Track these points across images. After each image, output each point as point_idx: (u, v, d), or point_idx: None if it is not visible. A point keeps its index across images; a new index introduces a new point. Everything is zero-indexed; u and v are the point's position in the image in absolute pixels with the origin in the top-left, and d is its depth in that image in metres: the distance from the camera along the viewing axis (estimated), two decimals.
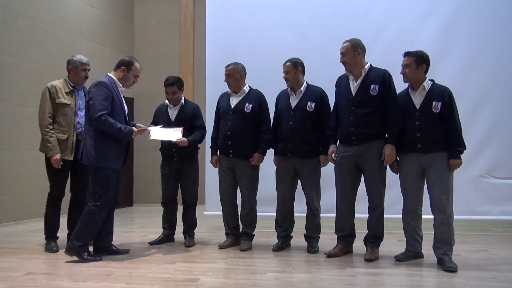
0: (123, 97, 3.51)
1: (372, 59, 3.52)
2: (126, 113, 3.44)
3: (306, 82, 3.70)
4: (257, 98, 3.76)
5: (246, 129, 3.67)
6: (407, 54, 3.25)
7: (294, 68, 3.63)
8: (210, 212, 4.86)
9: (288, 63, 3.65)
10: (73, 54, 3.87)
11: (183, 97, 4.00)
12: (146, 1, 7.79)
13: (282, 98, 3.76)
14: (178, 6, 7.39)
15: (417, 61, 3.20)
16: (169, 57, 7.48)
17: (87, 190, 3.87)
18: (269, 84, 4.16)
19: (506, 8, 4.56)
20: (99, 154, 3.25)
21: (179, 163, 3.88)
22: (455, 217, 4.24)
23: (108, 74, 3.43)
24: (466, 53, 4.59)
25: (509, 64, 4.55)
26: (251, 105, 3.71)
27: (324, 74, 4.00)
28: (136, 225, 5.29)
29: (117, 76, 3.43)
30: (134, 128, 3.36)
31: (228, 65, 3.82)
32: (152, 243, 3.93)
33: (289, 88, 3.71)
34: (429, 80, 3.26)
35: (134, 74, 3.46)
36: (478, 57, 4.57)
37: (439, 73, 3.90)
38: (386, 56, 4.21)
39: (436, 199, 3.14)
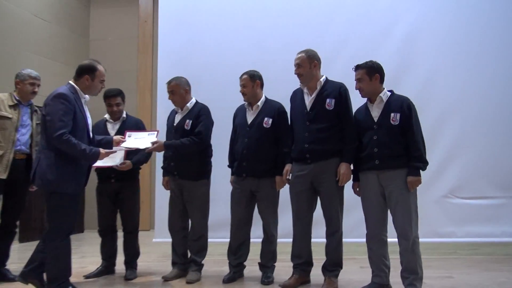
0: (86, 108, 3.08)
1: (333, 73, 3.32)
2: (90, 128, 3.01)
3: (265, 97, 3.44)
4: (197, 111, 3.44)
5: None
6: (357, 68, 3.04)
7: (251, 81, 3.36)
8: (160, 239, 4.44)
9: (245, 76, 3.38)
10: (17, 67, 3.54)
11: (124, 112, 3.65)
12: (103, 14, 7.44)
13: (239, 114, 3.48)
14: (137, 21, 7.13)
15: (369, 73, 2.98)
16: (127, 72, 7.12)
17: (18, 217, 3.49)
18: (227, 100, 3.88)
19: (467, 21, 4.51)
20: (57, 176, 2.76)
21: (117, 185, 3.48)
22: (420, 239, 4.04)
23: (69, 82, 2.95)
24: (429, 67, 4.49)
25: (473, 78, 4.47)
26: (190, 121, 3.40)
27: (286, 89, 3.68)
28: (78, 254, 4.78)
29: (81, 85, 2.94)
30: (101, 149, 2.91)
31: (170, 81, 3.50)
32: (88, 276, 3.49)
33: (246, 103, 3.43)
34: (388, 91, 3.04)
35: (100, 80, 2.99)
36: (441, 71, 4.48)
37: (401, 88, 3.68)
38: (347, 70, 4.03)
39: (398, 223, 2.87)
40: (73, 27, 6.99)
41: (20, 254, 4.93)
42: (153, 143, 3.26)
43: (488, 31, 4.50)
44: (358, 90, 3.04)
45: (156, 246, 4.49)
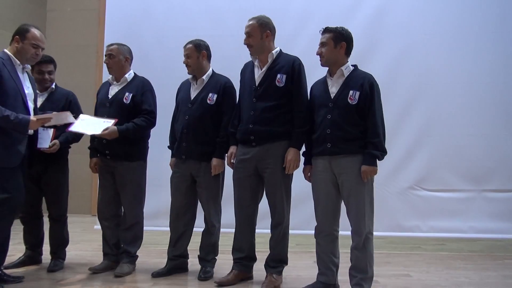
0: (31, 79, 2.78)
1: (295, 50, 2.96)
2: (29, 99, 2.69)
3: (212, 70, 3.06)
4: (140, 85, 3.07)
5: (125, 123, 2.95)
6: (325, 31, 2.65)
7: (197, 51, 2.97)
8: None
9: (189, 45, 2.99)
10: None
11: (54, 83, 3.22)
12: None
13: (183, 88, 3.10)
14: None
15: (335, 38, 2.60)
16: (87, 47, 6.65)
17: None
18: (177, 74, 3.49)
19: None
20: None
21: (40, 166, 3.05)
22: (381, 233, 3.76)
23: (4, 50, 2.69)
24: (396, 49, 4.18)
25: (442, 62, 4.17)
26: (131, 94, 3.02)
27: (241, 65, 3.40)
28: (17, 240, 4.37)
29: (12, 50, 2.68)
30: (31, 117, 2.58)
31: (111, 45, 3.12)
32: (6, 267, 3.08)
33: (190, 77, 3.04)
34: (352, 65, 2.67)
35: (32, 43, 2.67)
36: (408, 53, 4.16)
37: (366, 68, 3.39)
38: (309, 48, 3.68)
39: (351, 217, 2.55)
40: None
41: None
42: (104, 130, 2.82)
43: (464, 7, 4.19)
44: (318, 56, 2.65)
45: (98, 234, 4.10)
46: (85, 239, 4.20)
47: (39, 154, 2.95)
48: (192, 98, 2.97)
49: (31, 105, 2.70)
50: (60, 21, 6.82)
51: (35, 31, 2.72)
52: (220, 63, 3.30)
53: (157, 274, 2.96)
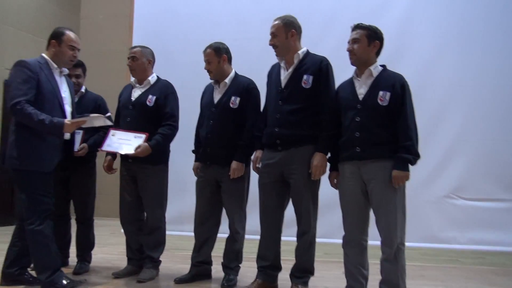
0: (68, 83, 2.77)
1: (322, 51, 2.78)
2: (66, 102, 2.68)
3: (235, 72, 2.98)
4: (164, 89, 3.04)
5: (148, 126, 2.91)
6: (357, 27, 2.51)
7: (217, 56, 2.90)
8: None
9: (209, 50, 2.92)
10: None
11: (84, 86, 3.25)
12: None
13: (207, 92, 3.04)
14: None
15: (369, 36, 2.46)
16: (118, 53, 6.74)
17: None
18: (203, 78, 3.45)
19: None
20: (19, 152, 2.49)
21: (68, 169, 3.06)
22: (414, 244, 3.56)
23: (42, 54, 2.69)
24: (429, 49, 3.97)
25: (478, 62, 3.91)
26: (154, 97, 2.98)
27: (269, 67, 3.32)
28: None
29: (50, 54, 2.67)
30: (66, 120, 2.56)
31: (134, 47, 3.13)
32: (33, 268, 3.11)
33: (213, 81, 2.98)
34: (380, 65, 2.53)
35: (68, 45, 2.67)
36: (442, 54, 3.94)
37: (397, 71, 3.26)
38: (337, 49, 3.56)
39: (380, 226, 2.39)
40: (62, 4, 6.66)
41: None
42: (136, 148, 2.80)
43: (502, 6, 3.94)
44: (349, 53, 2.52)
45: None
46: (112, 243, 4.22)
47: (67, 157, 2.97)
48: (215, 102, 2.91)
49: (68, 109, 2.69)
50: (93, 27, 7.00)
51: (70, 33, 2.72)
52: (247, 66, 3.23)
53: (180, 281, 2.89)
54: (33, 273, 2.77)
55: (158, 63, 4.27)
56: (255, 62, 3.15)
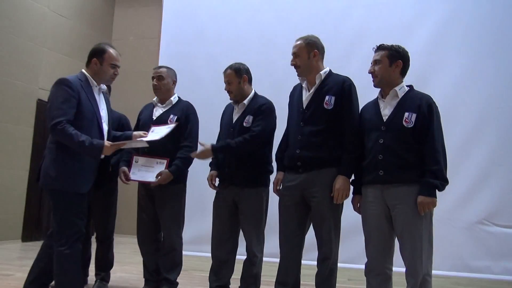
0: (106, 100, 2.75)
1: (348, 71, 2.76)
2: (104, 120, 2.66)
3: (254, 93, 2.97)
4: (185, 109, 3.07)
5: (168, 145, 2.91)
6: (379, 48, 2.46)
7: (238, 77, 2.90)
8: None
9: (229, 71, 2.92)
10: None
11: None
12: (127, 14, 7.34)
13: (227, 112, 3.04)
14: (159, 21, 6.93)
15: (391, 56, 2.40)
16: (146, 73, 6.89)
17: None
18: (228, 98, 3.46)
19: (508, 12, 3.80)
20: (57, 173, 2.46)
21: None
22: (445, 273, 3.39)
23: (82, 70, 2.67)
24: (461, 69, 3.85)
25: None
26: (176, 117, 3.01)
27: (293, 84, 3.29)
28: None
29: (91, 72, 2.64)
30: (105, 142, 2.53)
31: (159, 67, 3.18)
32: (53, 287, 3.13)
33: (233, 101, 2.98)
34: (407, 86, 2.45)
35: (110, 63, 2.64)
36: (475, 73, 3.80)
37: (427, 92, 3.16)
38: (363, 69, 3.50)
39: (405, 255, 2.28)
40: (95, 25, 6.91)
41: (22, 254, 4.74)
42: (157, 175, 2.86)
43: None
44: (371, 75, 2.47)
45: None
46: (133, 261, 4.21)
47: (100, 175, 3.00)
48: (233, 122, 2.89)
49: (105, 127, 2.66)
50: (124, 49, 7.14)
51: (112, 51, 2.68)
52: (272, 86, 3.23)
53: None
54: None
55: (184, 84, 4.35)
56: (280, 82, 3.13)
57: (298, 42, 2.68)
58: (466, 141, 3.71)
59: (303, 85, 2.71)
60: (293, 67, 2.70)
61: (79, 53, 6.58)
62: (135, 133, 2.89)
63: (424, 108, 2.32)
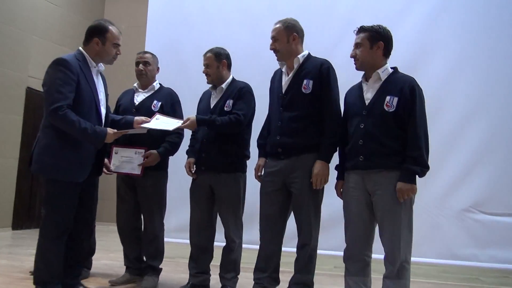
0: (103, 81, 2.59)
1: (339, 57, 2.83)
2: (102, 103, 2.51)
3: (232, 78, 2.92)
4: (169, 97, 3.04)
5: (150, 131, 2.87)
6: (359, 31, 2.38)
7: (217, 61, 2.85)
8: None
9: (209, 54, 2.87)
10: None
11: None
12: (119, 2, 7.25)
13: (204, 98, 2.99)
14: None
15: (371, 38, 2.32)
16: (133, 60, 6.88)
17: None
18: None
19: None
20: (54, 160, 2.34)
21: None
22: (432, 261, 3.37)
23: (79, 48, 2.51)
24: (453, 55, 3.75)
25: (505, 71, 3.68)
26: (160, 103, 2.97)
27: None
28: None
29: (90, 52, 2.48)
30: (109, 129, 2.42)
31: (145, 52, 3.14)
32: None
33: (210, 86, 2.93)
34: (391, 68, 2.38)
35: (113, 43, 2.49)
36: (467, 60, 3.72)
37: (418, 80, 3.11)
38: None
39: (384, 241, 2.24)
40: (86, 13, 6.83)
41: (11, 241, 4.74)
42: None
43: None
44: (353, 59, 2.40)
45: None
46: (119, 249, 4.19)
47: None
48: (211, 107, 2.85)
49: (103, 111, 2.52)
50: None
51: (114, 29, 2.52)
52: (260, 74, 3.18)
53: None
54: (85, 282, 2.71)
55: (171, 71, 4.30)
56: (269, 69, 3.07)
57: (277, 26, 2.62)
58: (455, 129, 3.65)
59: (283, 70, 2.67)
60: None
61: (70, 41, 6.52)
62: (137, 118, 2.76)
63: (406, 91, 2.25)
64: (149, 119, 2.77)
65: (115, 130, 2.47)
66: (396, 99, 2.25)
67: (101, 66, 2.56)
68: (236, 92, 2.79)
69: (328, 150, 2.44)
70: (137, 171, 2.84)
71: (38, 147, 2.40)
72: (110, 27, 2.51)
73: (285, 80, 2.61)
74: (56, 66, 2.35)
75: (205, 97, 2.97)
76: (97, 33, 2.48)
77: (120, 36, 2.56)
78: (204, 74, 2.91)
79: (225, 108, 2.77)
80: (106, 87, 2.66)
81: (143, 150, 2.86)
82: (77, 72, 2.36)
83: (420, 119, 2.24)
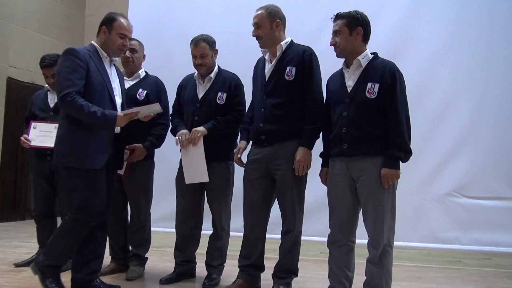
0: (119, 73, 2.59)
1: (322, 44, 2.71)
2: (116, 93, 2.49)
3: (218, 66, 2.89)
4: (154, 85, 2.99)
5: (136, 121, 2.81)
6: (337, 18, 2.37)
7: (211, 50, 2.79)
8: None
9: (204, 44, 2.77)
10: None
11: None
12: None
13: (188, 86, 2.92)
14: None
15: (350, 24, 2.31)
16: None
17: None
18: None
19: None
20: (69, 148, 2.33)
21: (52, 163, 3.02)
22: (416, 244, 3.43)
23: (92, 42, 2.53)
24: (435, 43, 3.79)
25: (486, 57, 3.72)
26: (145, 92, 2.94)
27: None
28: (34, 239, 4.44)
29: (100, 42, 2.48)
30: (119, 112, 2.38)
31: (132, 39, 2.98)
32: (19, 265, 3.11)
33: (195, 74, 2.88)
34: (371, 53, 2.37)
35: (119, 33, 2.47)
36: (448, 47, 3.76)
37: (400, 66, 3.10)
38: None
39: (368, 226, 2.27)
40: (67, 2, 6.67)
41: None
42: (129, 154, 2.78)
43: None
44: (333, 47, 2.38)
45: None
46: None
47: (51, 152, 2.89)
48: (200, 97, 2.81)
49: (118, 101, 2.50)
50: (98, 24, 6.99)
51: (122, 20, 2.51)
52: (243, 58, 3.15)
53: (166, 281, 2.82)
54: (104, 279, 2.65)
55: (154, 58, 4.23)
56: (252, 55, 3.04)
57: (260, 12, 2.59)
58: (438, 115, 3.71)
59: (266, 57, 2.65)
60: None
61: (51, 30, 6.38)
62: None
63: (387, 77, 2.24)
64: (136, 109, 2.62)
65: (126, 111, 2.43)
66: (377, 85, 2.25)
67: (115, 58, 2.55)
68: (228, 85, 2.78)
69: (310, 136, 2.44)
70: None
71: (56, 139, 2.42)
72: (119, 18, 2.51)
73: (268, 67, 2.59)
74: (64, 56, 2.37)
75: (189, 85, 2.91)
76: (105, 22, 2.50)
77: (130, 29, 2.54)
78: (187, 61, 2.87)
79: (218, 101, 2.75)
80: (123, 79, 2.66)
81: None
82: (85, 60, 2.35)
83: (401, 105, 2.25)
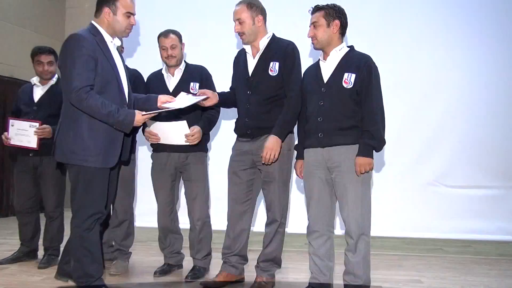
0: (121, 56, 2.38)
1: (302, 38, 2.68)
2: (123, 81, 2.29)
3: (184, 60, 2.91)
4: (132, 77, 2.91)
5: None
6: (314, 10, 2.38)
7: (180, 42, 2.82)
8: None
9: (173, 36, 2.78)
10: None
11: (56, 75, 3.14)
12: None
13: (155, 79, 2.89)
14: None
15: (327, 16, 2.33)
16: None
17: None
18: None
19: None
20: (78, 146, 2.16)
21: (36, 158, 3.02)
22: (398, 233, 3.49)
23: (91, 21, 2.27)
24: (414, 34, 3.84)
25: (467, 47, 3.79)
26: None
27: None
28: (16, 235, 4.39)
29: (103, 24, 2.23)
30: (137, 112, 2.20)
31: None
32: (1, 263, 3.08)
33: (164, 67, 2.87)
34: (347, 46, 2.40)
35: (124, 12, 2.23)
36: (425, 38, 3.82)
37: (378, 58, 3.12)
38: None
39: (343, 216, 2.31)
40: None
41: None
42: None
43: None
44: (311, 40, 2.40)
45: None
46: None
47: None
48: (171, 90, 2.79)
49: (125, 89, 2.30)
50: (79, 17, 6.85)
51: None
52: (228, 52, 3.14)
53: (160, 272, 2.85)
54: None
55: (137, 52, 4.19)
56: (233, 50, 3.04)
57: (240, 7, 2.54)
58: (418, 104, 3.76)
59: (247, 51, 2.63)
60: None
61: (31, 22, 6.24)
62: (161, 96, 2.45)
63: (363, 68, 2.28)
64: (174, 98, 2.53)
65: (144, 112, 2.25)
66: (353, 76, 2.29)
67: (117, 40, 2.32)
68: (199, 75, 2.81)
69: (282, 126, 2.43)
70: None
71: (60, 134, 2.23)
72: None
73: (251, 62, 2.59)
74: (69, 43, 2.14)
75: (156, 78, 2.90)
76: (106, 2, 2.23)
77: (134, 5, 2.30)
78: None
79: (191, 91, 2.74)
80: (125, 62, 2.45)
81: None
82: (94, 49, 2.15)
83: (377, 95, 2.30)
